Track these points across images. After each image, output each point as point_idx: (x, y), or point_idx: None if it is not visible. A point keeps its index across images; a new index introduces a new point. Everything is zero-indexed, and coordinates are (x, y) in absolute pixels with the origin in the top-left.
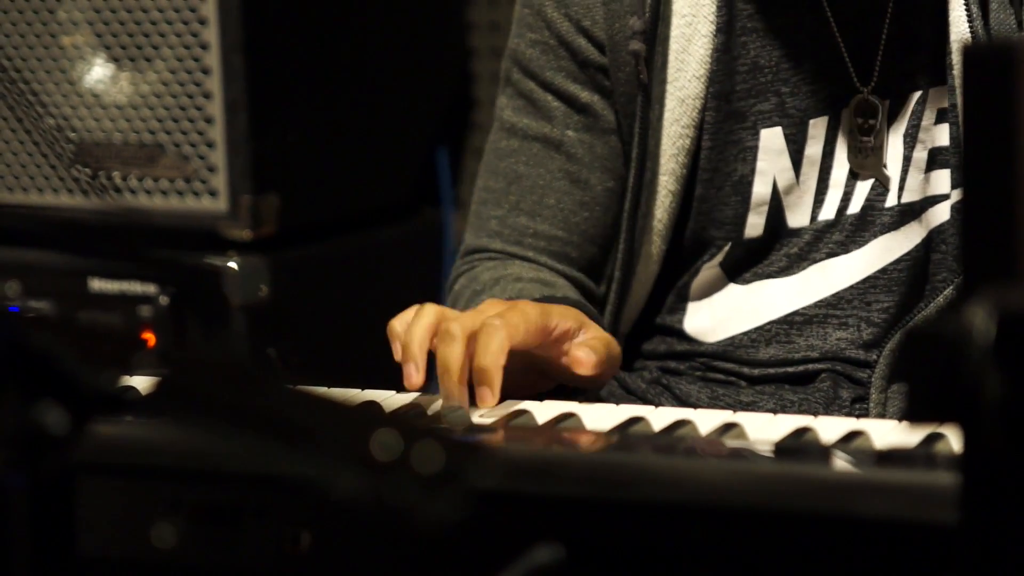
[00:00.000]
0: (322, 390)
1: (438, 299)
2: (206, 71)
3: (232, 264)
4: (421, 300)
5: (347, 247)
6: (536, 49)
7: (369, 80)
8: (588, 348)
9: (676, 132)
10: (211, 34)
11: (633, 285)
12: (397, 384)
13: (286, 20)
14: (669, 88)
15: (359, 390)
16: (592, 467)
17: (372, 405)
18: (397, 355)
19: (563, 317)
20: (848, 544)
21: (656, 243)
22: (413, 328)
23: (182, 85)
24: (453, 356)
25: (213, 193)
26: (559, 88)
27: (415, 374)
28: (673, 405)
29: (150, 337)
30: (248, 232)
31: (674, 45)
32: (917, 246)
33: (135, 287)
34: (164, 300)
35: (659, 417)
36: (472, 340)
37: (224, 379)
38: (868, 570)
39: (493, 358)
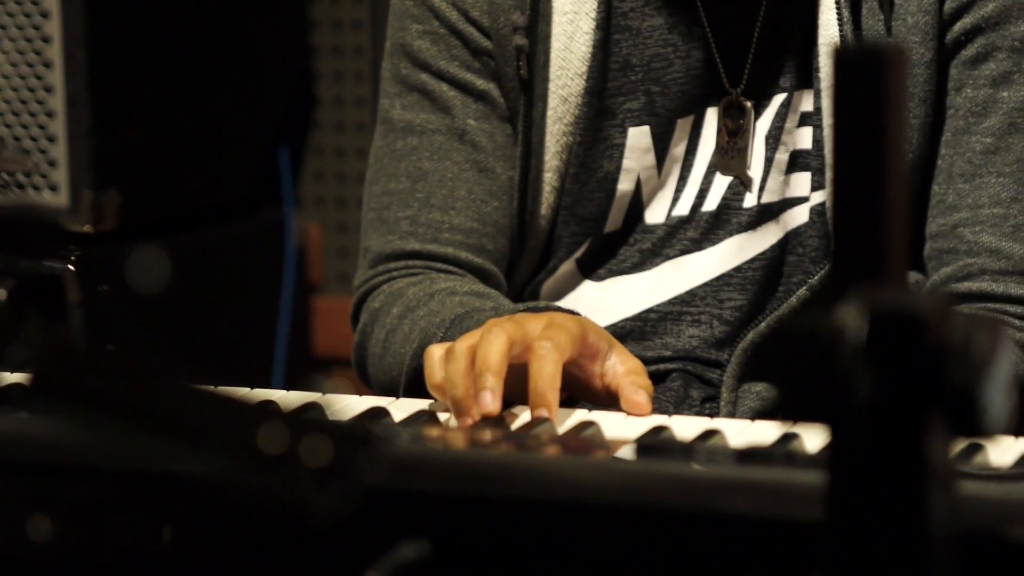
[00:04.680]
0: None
1: (278, 296)
2: (48, 65)
3: (72, 259)
4: (262, 297)
5: (188, 244)
6: (425, 40)
7: (211, 77)
8: (643, 390)
9: (559, 130)
10: (53, 28)
11: (516, 281)
12: (237, 380)
13: (129, 15)
14: (552, 86)
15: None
16: (456, 464)
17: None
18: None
19: (598, 335)
20: (714, 541)
21: (541, 240)
22: (488, 357)
23: (23, 79)
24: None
25: (54, 188)
26: (454, 77)
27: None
28: (523, 404)
29: None
30: (89, 227)
31: (556, 43)
32: (773, 247)
33: None
34: (1, 295)
35: (517, 420)
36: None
37: (103, 372)
38: (734, 567)
39: (550, 380)
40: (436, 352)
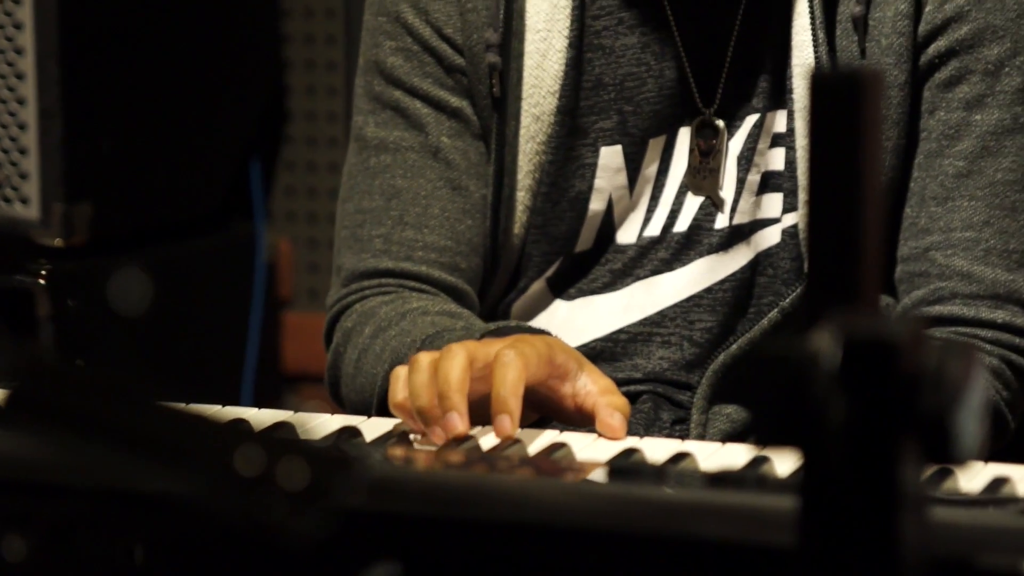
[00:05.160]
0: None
1: (248, 311)
2: (20, 76)
3: (42, 273)
4: (231, 312)
5: (159, 258)
6: (399, 56)
7: (183, 91)
8: (619, 414)
9: (532, 149)
10: (27, 39)
11: (487, 300)
12: (205, 396)
13: (102, 28)
14: (524, 105)
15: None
16: (428, 486)
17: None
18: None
19: (567, 355)
20: (684, 566)
21: (514, 259)
22: (448, 374)
23: None
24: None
25: (25, 200)
26: (427, 94)
27: (461, 423)
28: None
29: None
30: (60, 241)
31: (529, 61)
32: (743, 268)
33: None
34: None
35: (486, 437)
36: (486, 370)
37: (83, 391)
38: None
39: (512, 387)
40: (402, 373)
